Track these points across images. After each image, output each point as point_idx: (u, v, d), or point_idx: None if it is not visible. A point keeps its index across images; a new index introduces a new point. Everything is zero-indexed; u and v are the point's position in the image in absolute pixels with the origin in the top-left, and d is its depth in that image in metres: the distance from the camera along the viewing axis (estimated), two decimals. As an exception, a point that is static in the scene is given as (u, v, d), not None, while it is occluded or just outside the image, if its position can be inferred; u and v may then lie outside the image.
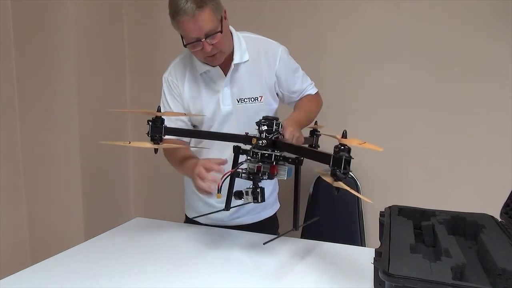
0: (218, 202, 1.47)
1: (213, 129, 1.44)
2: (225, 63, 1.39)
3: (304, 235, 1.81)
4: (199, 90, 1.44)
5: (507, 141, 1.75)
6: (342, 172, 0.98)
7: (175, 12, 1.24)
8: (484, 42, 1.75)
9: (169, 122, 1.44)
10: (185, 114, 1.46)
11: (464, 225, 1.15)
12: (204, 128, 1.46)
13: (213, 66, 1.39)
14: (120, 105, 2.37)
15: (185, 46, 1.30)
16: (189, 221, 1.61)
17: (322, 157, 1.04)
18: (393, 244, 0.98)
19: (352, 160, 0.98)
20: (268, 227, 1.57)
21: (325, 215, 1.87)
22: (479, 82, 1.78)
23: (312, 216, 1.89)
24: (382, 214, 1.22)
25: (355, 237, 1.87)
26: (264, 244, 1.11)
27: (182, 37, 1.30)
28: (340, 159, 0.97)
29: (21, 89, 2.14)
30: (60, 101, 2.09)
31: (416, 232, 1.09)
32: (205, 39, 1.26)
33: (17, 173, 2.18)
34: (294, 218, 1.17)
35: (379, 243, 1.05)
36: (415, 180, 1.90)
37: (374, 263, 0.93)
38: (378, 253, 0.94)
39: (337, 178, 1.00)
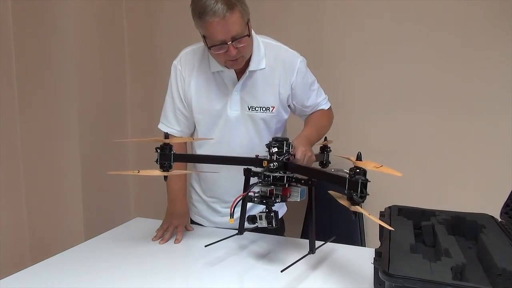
0: (223, 207, 1.47)
1: (214, 131, 1.40)
2: (240, 67, 1.33)
3: (304, 235, 1.80)
4: (207, 88, 1.37)
5: (507, 141, 1.74)
6: (359, 196, 0.93)
7: (203, 12, 1.15)
8: (484, 42, 1.75)
9: (172, 115, 1.43)
10: (192, 139, 1.43)
11: (464, 225, 1.15)
12: (204, 128, 1.41)
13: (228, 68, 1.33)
14: (120, 105, 2.37)
15: (209, 48, 1.23)
16: (193, 223, 1.58)
17: (337, 180, 1.00)
18: (393, 244, 0.98)
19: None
20: (274, 230, 1.55)
21: (325, 215, 1.86)
22: (479, 82, 1.77)
23: (312, 217, 1.88)
24: (382, 214, 1.22)
25: (355, 237, 1.86)
26: (281, 271, 1.03)
27: (204, 38, 1.23)
28: (356, 183, 0.93)
29: (21, 90, 2.14)
30: (60, 101, 2.09)
31: (416, 232, 1.10)
32: (232, 42, 1.19)
33: (17, 173, 2.18)
34: (310, 241, 1.13)
35: (379, 243, 1.05)
36: (415, 180, 1.90)
37: (374, 263, 0.93)
38: (378, 253, 0.94)
39: (354, 202, 0.96)
